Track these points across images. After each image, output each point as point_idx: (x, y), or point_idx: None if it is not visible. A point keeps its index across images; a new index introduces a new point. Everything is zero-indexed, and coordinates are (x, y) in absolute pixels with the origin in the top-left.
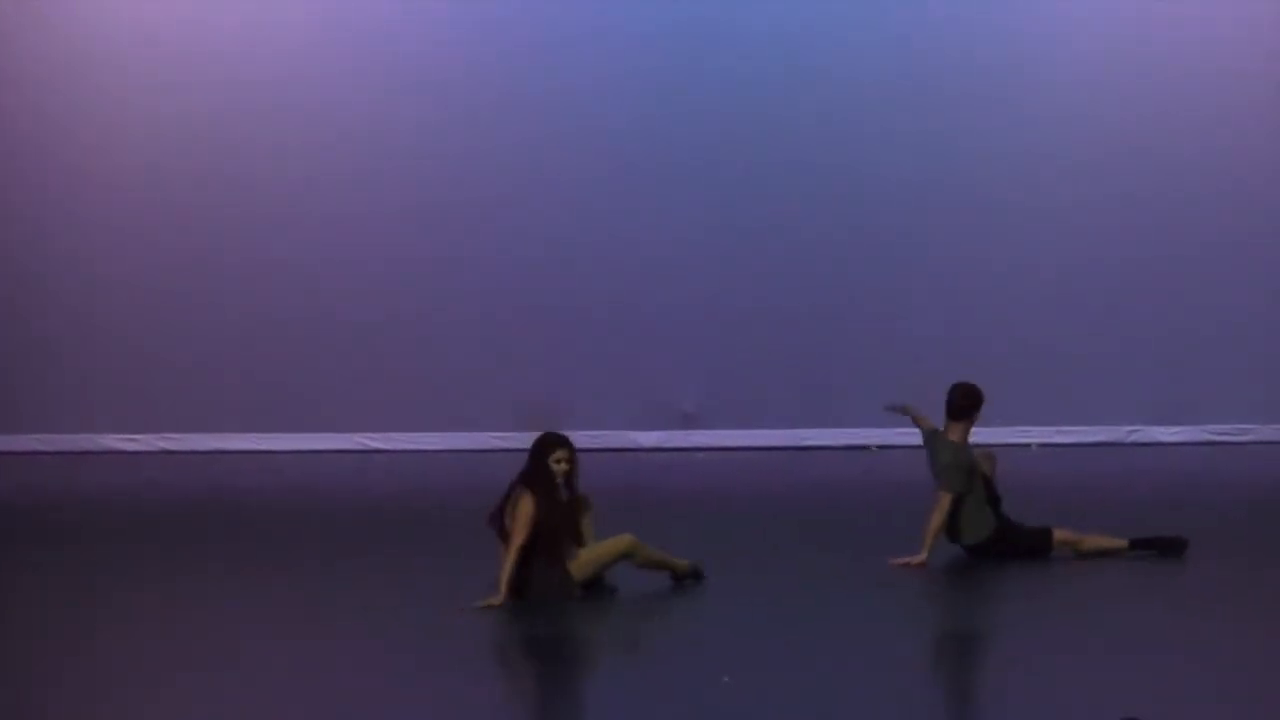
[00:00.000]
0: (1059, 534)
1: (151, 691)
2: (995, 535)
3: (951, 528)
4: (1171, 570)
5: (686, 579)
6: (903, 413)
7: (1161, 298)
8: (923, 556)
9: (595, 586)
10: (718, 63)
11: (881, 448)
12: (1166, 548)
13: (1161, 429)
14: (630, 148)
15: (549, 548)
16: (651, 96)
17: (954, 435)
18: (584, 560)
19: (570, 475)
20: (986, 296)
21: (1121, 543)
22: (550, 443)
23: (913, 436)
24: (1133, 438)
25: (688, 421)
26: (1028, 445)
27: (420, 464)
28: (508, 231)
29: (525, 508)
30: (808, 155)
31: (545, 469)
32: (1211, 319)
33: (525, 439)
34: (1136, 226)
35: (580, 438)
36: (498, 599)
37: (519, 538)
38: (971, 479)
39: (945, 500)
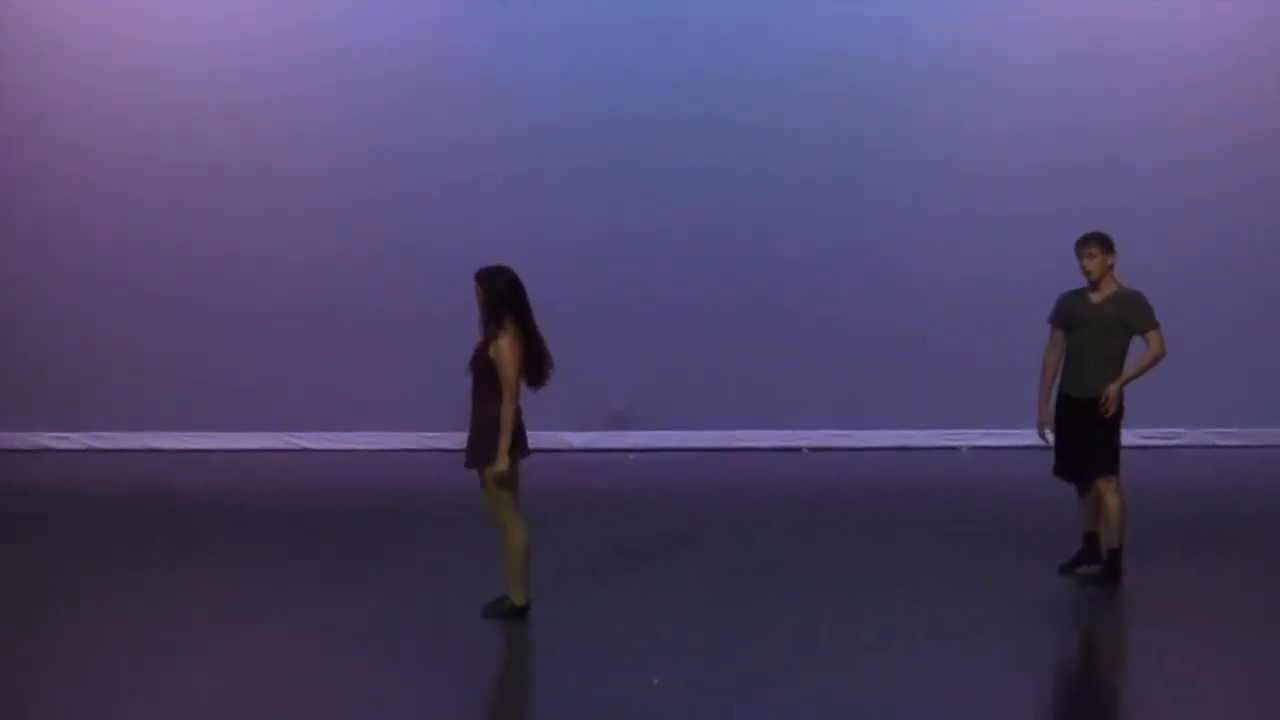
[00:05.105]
0: None
1: (76, 685)
2: None
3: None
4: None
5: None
6: None
7: None
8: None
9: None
10: (659, 67)
11: (813, 449)
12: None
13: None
14: (564, 148)
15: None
16: (587, 99)
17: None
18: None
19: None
20: (920, 300)
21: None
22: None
23: (844, 439)
24: None
25: (619, 422)
26: (957, 449)
27: (350, 463)
28: (437, 231)
29: (512, 346)
30: (745, 158)
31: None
32: None
33: (456, 440)
34: (1069, 234)
35: None
36: (502, 463)
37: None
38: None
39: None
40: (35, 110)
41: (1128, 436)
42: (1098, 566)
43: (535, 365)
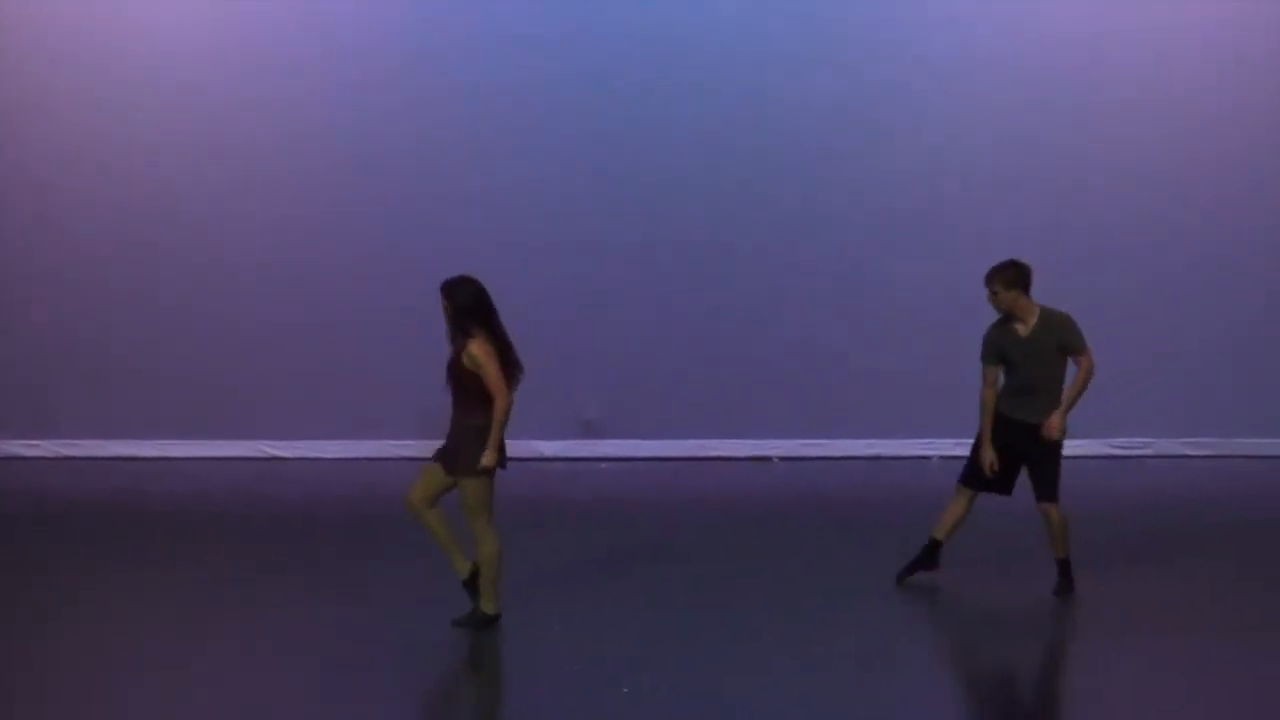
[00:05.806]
0: None
1: (49, 695)
2: None
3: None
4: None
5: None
6: None
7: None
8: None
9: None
10: (624, 72)
11: (784, 459)
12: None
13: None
14: (536, 157)
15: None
16: (556, 107)
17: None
18: None
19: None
20: (892, 309)
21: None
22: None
23: (813, 448)
24: None
25: (590, 430)
26: (928, 459)
27: (321, 471)
28: (408, 239)
29: (486, 349)
30: (719, 168)
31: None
32: (1112, 334)
33: (427, 449)
34: (1036, 242)
35: None
36: (490, 459)
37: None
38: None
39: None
40: (19, 112)
41: (1097, 446)
42: (932, 570)
43: (505, 370)
